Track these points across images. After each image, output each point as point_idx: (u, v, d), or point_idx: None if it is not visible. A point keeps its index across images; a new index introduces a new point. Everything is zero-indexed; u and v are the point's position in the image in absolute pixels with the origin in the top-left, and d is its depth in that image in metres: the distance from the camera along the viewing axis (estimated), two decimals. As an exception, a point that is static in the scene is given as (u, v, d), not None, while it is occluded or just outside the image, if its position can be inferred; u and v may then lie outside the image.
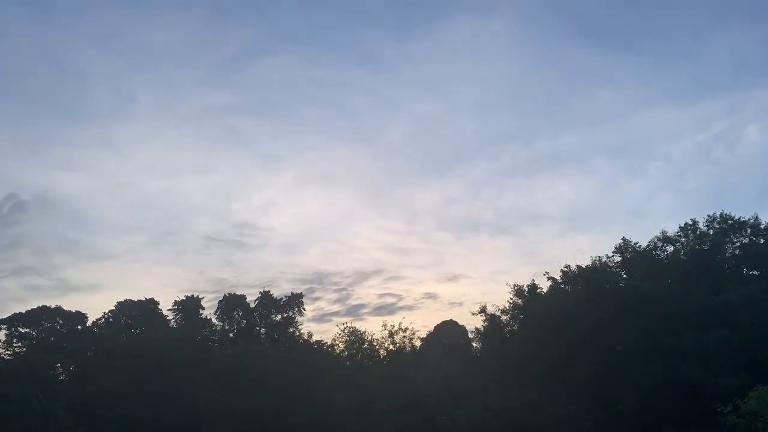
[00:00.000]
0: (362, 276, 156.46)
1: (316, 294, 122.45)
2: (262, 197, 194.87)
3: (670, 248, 63.03)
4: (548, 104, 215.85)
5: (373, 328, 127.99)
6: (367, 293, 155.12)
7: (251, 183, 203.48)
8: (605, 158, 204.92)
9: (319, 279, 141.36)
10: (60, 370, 79.44)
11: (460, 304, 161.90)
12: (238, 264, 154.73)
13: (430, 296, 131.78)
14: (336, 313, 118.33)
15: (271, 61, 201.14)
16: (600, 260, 62.55)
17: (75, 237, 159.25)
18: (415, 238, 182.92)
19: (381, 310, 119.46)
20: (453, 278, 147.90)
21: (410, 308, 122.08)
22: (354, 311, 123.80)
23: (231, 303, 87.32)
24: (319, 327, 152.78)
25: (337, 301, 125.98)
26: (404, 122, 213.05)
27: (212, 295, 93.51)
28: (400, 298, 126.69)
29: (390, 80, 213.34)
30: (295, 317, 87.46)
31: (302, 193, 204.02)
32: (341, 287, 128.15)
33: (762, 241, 60.60)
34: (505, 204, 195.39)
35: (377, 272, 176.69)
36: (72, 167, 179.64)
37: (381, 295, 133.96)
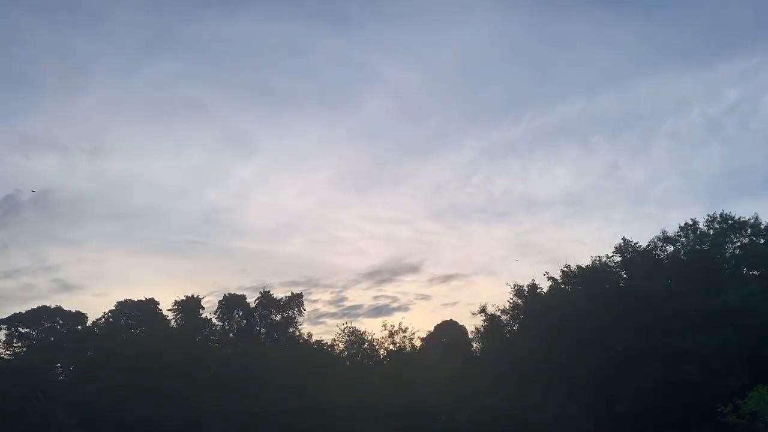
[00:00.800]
0: (355, 278, 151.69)
1: (312, 296, 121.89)
2: (237, 184, 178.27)
3: (670, 248, 63.08)
4: (539, 71, 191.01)
5: (368, 330, 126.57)
6: (360, 295, 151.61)
7: (224, 167, 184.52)
8: (605, 135, 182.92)
9: (314, 282, 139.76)
10: (60, 370, 79.43)
11: (454, 304, 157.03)
12: (223, 262, 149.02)
13: (424, 297, 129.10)
14: (332, 315, 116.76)
15: (227, 22, 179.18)
16: (600, 260, 62.66)
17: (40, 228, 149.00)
18: (405, 228, 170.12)
19: (375, 311, 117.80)
20: (446, 279, 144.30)
21: (405, 309, 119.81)
22: (349, 313, 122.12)
23: (231, 303, 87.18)
24: (313, 329, 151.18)
25: (331, 302, 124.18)
26: (382, 95, 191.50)
27: (212, 297, 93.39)
28: (394, 299, 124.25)
29: (362, 43, 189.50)
30: (295, 317, 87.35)
31: (279, 178, 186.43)
32: (337, 289, 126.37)
33: (762, 241, 60.57)
34: (498, 189, 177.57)
35: (370, 274, 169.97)
36: (30, 150, 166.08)
37: (375, 297, 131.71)
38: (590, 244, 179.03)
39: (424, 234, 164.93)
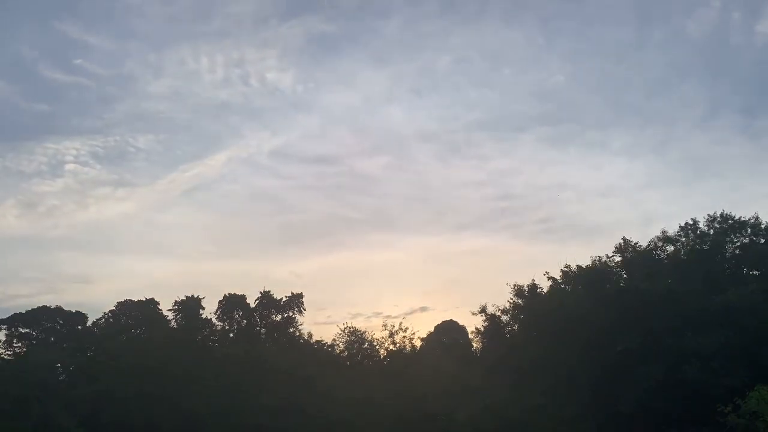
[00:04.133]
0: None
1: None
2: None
3: (670, 248, 63.09)
4: None
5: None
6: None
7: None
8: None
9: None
10: (60, 370, 79.41)
11: (433, 308, 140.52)
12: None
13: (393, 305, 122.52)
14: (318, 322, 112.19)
15: None
16: (600, 260, 62.71)
17: None
18: (337, 170, 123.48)
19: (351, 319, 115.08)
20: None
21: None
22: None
23: (231, 303, 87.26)
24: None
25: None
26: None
27: (212, 297, 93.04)
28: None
29: None
30: (295, 317, 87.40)
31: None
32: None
33: (762, 241, 60.59)
34: (448, 108, 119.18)
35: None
36: None
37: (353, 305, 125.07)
38: (578, 194, 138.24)
39: (359, 180, 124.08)
